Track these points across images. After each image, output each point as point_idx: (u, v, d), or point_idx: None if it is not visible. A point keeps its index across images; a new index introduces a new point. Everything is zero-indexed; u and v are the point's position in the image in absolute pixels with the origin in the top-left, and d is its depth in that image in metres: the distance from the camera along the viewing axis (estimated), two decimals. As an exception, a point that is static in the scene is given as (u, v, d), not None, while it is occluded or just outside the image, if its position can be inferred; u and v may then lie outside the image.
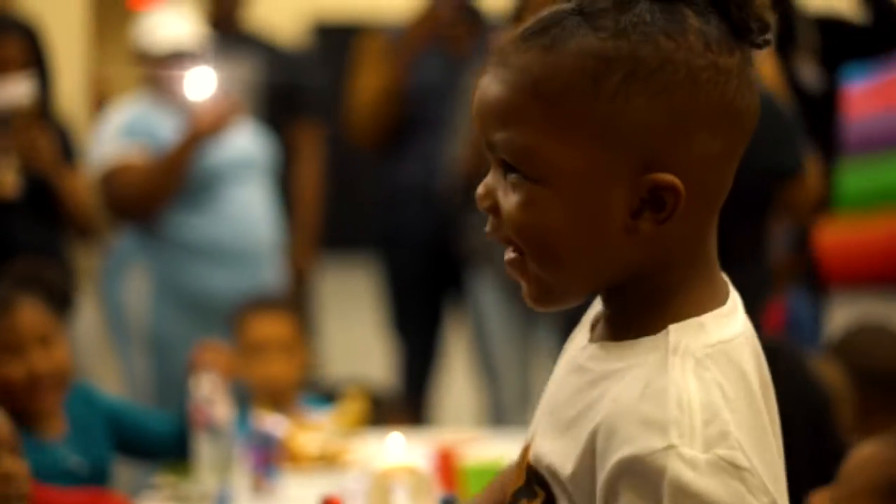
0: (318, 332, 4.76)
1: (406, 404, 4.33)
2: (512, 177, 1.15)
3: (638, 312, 1.18)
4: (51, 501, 2.44)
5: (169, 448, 2.93)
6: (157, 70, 4.05)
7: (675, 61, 1.11)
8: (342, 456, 2.97)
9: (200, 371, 2.91)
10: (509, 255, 1.17)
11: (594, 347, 1.21)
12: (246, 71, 4.60)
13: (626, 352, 1.16)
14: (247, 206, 4.03)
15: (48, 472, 2.62)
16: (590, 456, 1.13)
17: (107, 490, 2.72)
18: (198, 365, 2.93)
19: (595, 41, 1.12)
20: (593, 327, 1.25)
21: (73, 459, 2.74)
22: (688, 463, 1.06)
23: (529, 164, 1.13)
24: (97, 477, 2.77)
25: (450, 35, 4.26)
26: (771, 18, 1.16)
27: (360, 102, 4.34)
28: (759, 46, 1.17)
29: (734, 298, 1.21)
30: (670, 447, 1.06)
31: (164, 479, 2.87)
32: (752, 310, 1.25)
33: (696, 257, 1.18)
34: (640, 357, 1.14)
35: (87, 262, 4.26)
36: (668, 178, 1.12)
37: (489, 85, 1.16)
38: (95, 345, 4.03)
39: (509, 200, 1.15)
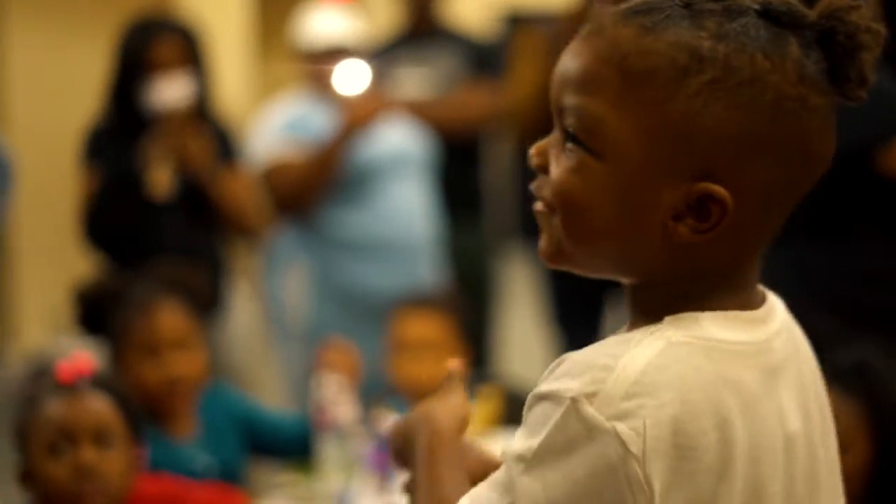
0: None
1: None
2: (570, 145, 1.15)
3: (651, 316, 1.16)
4: (176, 494, 2.47)
5: (298, 448, 2.95)
6: (316, 66, 4.09)
7: (765, 81, 1.10)
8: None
9: (325, 372, 2.91)
10: (538, 206, 1.18)
11: None
12: (446, 67, 4.63)
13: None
14: (403, 201, 4.04)
15: (177, 472, 2.67)
16: None
17: (233, 488, 2.75)
18: (323, 365, 2.93)
19: (694, 37, 1.11)
20: None
21: (202, 460, 2.78)
22: (581, 418, 1.07)
23: (592, 135, 1.13)
24: (227, 477, 2.81)
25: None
26: (871, 76, 1.15)
27: (516, 97, 4.30)
28: (850, 98, 1.15)
29: (768, 313, 1.17)
30: (573, 399, 1.07)
31: (288, 478, 2.90)
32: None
33: (725, 278, 1.16)
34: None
35: (247, 260, 4.32)
36: (721, 191, 1.10)
37: (578, 51, 1.16)
38: (254, 341, 4.09)
39: (560, 164, 1.15)
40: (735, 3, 1.13)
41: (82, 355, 2.33)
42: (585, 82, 1.14)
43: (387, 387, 3.63)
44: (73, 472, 2.17)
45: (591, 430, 1.06)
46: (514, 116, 4.33)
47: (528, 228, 4.09)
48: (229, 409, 2.92)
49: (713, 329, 1.12)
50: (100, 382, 2.28)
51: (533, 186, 1.19)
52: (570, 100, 1.15)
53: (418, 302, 3.41)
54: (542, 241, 1.19)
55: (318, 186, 3.93)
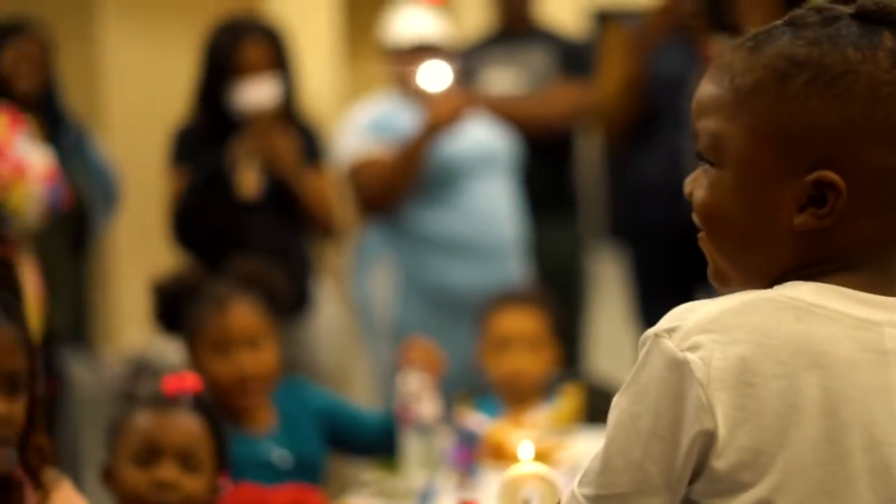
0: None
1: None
2: (705, 166, 1.28)
3: None
4: (254, 498, 2.50)
5: (380, 444, 2.97)
6: (402, 65, 4.12)
7: (857, 72, 1.21)
8: (553, 454, 2.93)
9: (409, 369, 2.93)
10: (701, 234, 1.30)
11: None
12: (537, 66, 4.64)
13: None
14: (488, 199, 4.06)
15: (252, 465, 2.72)
16: None
17: (311, 486, 2.78)
18: (406, 362, 2.95)
19: (792, 46, 1.24)
20: None
21: (277, 453, 2.81)
22: (660, 350, 1.20)
23: (716, 151, 1.26)
24: (305, 471, 2.83)
25: (690, 27, 4.17)
26: None
27: (603, 95, 4.31)
28: None
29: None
30: (656, 334, 1.21)
31: (372, 475, 2.92)
32: None
33: (848, 261, 1.24)
34: None
35: (334, 259, 4.37)
36: (831, 175, 1.21)
37: (702, 83, 1.30)
38: (341, 339, 4.13)
39: (700, 185, 1.28)
40: (831, 11, 1.25)
41: (191, 375, 2.37)
42: (706, 106, 1.28)
43: (471, 384, 3.64)
44: (153, 485, 2.22)
45: (667, 360, 1.19)
46: (602, 113, 4.33)
47: (617, 227, 4.12)
48: (307, 402, 2.95)
49: (809, 294, 1.22)
50: (199, 405, 2.32)
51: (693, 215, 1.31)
52: (698, 125, 1.29)
53: (514, 297, 3.41)
54: (709, 266, 1.31)
55: (402, 184, 3.97)
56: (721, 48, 1.23)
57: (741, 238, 1.26)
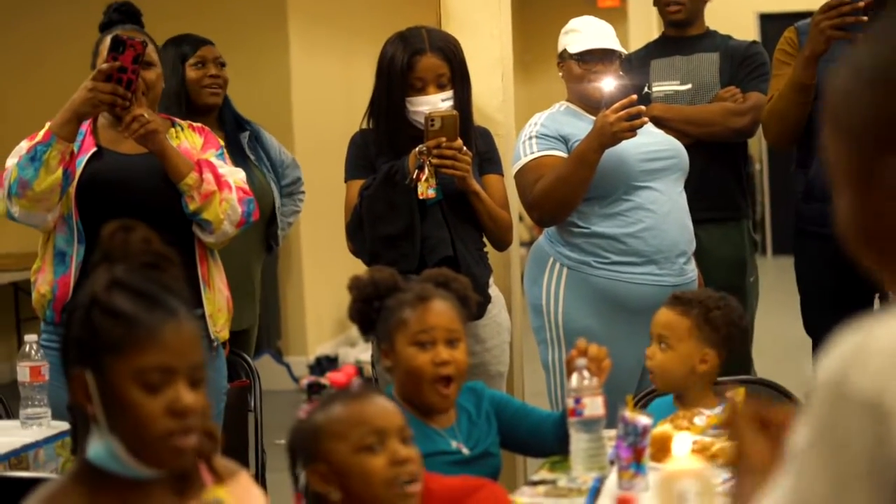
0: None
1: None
2: None
3: None
4: (433, 484, 2.61)
5: (554, 444, 3.06)
6: (575, 74, 4.20)
7: None
8: (719, 456, 2.99)
9: (578, 371, 3.01)
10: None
11: None
12: (706, 71, 4.68)
13: None
14: (660, 204, 4.12)
15: (434, 457, 2.84)
16: None
17: (489, 480, 2.89)
18: (576, 365, 3.03)
19: (862, 49, 1.30)
20: None
21: (458, 447, 2.94)
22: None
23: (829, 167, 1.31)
24: (482, 465, 2.97)
25: (859, 26, 4.11)
26: None
27: (772, 98, 4.30)
28: None
29: None
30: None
31: (543, 474, 3.01)
32: None
33: None
34: None
35: (506, 264, 4.47)
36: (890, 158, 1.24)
37: None
38: (513, 342, 4.22)
39: None
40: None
41: (347, 366, 2.50)
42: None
43: (640, 386, 3.72)
44: (397, 464, 2.31)
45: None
46: (769, 118, 4.31)
47: (783, 232, 4.08)
48: (483, 401, 3.08)
49: None
50: (371, 388, 2.43)
51: None
52: None
53: (675, 298, 3.48)
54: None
55: (575, 193, 4.04)
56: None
57: (870, 246, 1.30)
